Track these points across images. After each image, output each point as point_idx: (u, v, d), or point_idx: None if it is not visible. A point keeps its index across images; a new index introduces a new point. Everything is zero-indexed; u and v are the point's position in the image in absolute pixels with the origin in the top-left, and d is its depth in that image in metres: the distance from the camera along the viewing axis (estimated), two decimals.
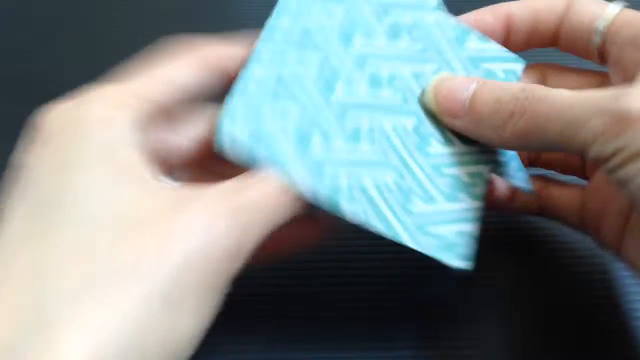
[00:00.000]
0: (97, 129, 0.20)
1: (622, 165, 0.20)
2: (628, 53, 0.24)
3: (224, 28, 0.41)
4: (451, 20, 0.25)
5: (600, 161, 0.20)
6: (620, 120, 0.19)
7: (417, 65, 0.24)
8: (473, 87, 0.23)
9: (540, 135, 0.22)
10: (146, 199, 0.19)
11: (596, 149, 0.20)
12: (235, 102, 0.21)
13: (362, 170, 0.22)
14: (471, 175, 0.24)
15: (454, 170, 0.24)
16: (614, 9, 0.25)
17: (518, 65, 0.26)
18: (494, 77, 0.25)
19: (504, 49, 0.26)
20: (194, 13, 0.42)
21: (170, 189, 0.20)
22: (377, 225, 0.22)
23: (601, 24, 0.25)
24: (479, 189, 0.24)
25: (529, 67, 0.27)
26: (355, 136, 0.22)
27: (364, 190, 0.22)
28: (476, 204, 0.24)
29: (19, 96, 0.37)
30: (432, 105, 0.24)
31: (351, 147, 0.22)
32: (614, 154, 0.20)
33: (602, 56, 0.25)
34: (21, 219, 0.19)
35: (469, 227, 0.23)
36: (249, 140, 0.21)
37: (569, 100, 0.21)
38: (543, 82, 0.27)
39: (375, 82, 0.23)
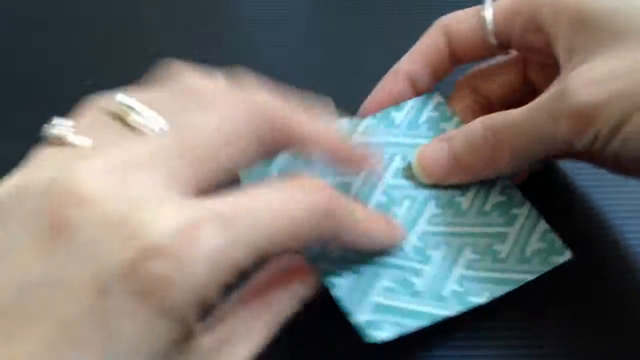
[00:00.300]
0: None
1: (606, 144, 0.22)
2: (531, 38, 0.26)
3: (224, 28, 0.41)
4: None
5: (588, 150, 0.23)
6: (580, 117, 0.22)
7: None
8: (445, 147, 0.26)
9: (529, 153, 0.24)
10: None
11: (578, 145, 0.23)
12: None
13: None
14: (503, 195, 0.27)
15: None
16: (488, 9, 0.27)
17: (437, 98, 0.29)
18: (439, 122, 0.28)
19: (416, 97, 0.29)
20: (194, 13, 0.42)
21: None
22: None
23: (489, 26, 0.27)
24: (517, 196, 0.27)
25: (458, 90, 0.29)
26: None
27: None
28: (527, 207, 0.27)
29: (19, 96, 0.37)
30: (426, 180, 0.26)
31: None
32: (594, 141, 0.22)
33: (502, 47, 0.27)
34: None
35: (543, 226, 0.26)
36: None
37: (527, 119, 0.24)
38: (477, 94, 0.29)
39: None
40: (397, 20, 0.41)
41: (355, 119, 0.28)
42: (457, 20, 0.28)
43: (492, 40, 0.27)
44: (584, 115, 0.22)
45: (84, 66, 0.38)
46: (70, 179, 0.16)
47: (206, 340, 0.19)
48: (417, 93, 0.29)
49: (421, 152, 0.27)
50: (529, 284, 0.25)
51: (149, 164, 0.17)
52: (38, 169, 0.18)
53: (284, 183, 0.19)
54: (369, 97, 0.29)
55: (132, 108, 0.19)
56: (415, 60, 0.29)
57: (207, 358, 0.18)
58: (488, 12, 0.27)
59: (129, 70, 0.38)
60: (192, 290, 0.16)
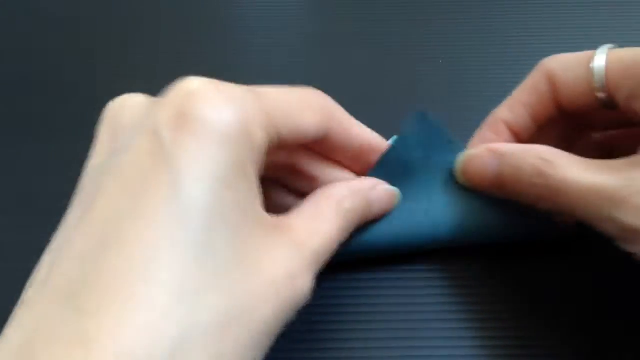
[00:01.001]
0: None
1: None
2: (636, 107, 0.24)
3: (224, 28, 0.41)
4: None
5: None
6: (630, 232, 0.21)
7: None
8: (495, 165, 0.26)
9: (573, 215, 0.24)
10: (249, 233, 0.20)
11: (619, 243, 0.22)
12: None
13: None
14: None
15: None
16: (599, 61, 0.25)
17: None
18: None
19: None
20: (194, 12, 0.42)
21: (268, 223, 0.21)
22: None
23: (597, 83, 0.25)
24: None
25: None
26: None
27: None
28: None
29: (19, 96, 0.37)
30: (466, 184, 0.28)
31: None
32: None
33: (609, 104, 0.25)
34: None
35: None
36: None
37: (583, 189, 0.22)
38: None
39: None
40: (398, 20, 0.40)
41: None
42: (563, 68, 0.26)
43: (601, 95, 0.25)
44: (633, 233, 0.21)
45: (84, 66, 0.38)
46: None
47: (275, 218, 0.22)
48: (520, 142, 0.27)
49: (469, 160, 0.27)
50: None
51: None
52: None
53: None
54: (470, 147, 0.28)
55: None
56: (517, 108, 0.27)
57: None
58: (599, 65, 0.25)
59: (129, 70, 0.38)
60: (236, 116, 0.20)
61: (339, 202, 0.24)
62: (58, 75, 0.38)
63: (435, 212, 0.28)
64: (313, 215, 0.23)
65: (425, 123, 0.29)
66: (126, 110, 0.22)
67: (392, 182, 0.28)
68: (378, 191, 0.26)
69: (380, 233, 0.27)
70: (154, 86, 0.37)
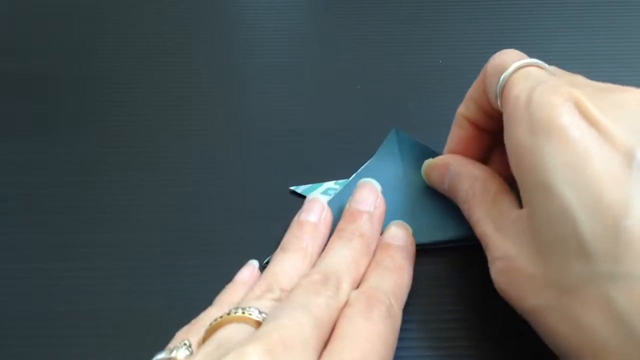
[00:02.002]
0: None
1: None
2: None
3: (224, 28, 0.41)
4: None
5: None
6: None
7: None
8: (446, 175, 0.29)
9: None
10: None
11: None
12: None
13: None
14: None
15: None
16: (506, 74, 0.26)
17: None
18: None
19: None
20: (194, 12, 0.42)
21: None
22: None
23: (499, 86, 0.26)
24: None
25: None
26: None
27: None
28: None
29: (18, 96, 0.37)
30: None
31: None
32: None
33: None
34: None
35: None
36: None
37: (484, 241, 0.25)
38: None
39: None
40: (398, 20, 0.40)
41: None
42: (492, 69, 0.27)
43: (497, 104, 0.26)
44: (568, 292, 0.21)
45: (83, 66, 0.38)
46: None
47: None
48: (483, 133, 0.29)
49: (428, 168, 0.30)
50: None
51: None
52: None
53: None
54: (446, 149, 0.30)
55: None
56: (468, 102, 0.29)
57: None
58: (504, 77, 0.25)
59: (129, 70, 0.38)
60: None
61: None
62: (58, 75, 0.38)
63: (420, 214, 0.30)
64: None
65: (403, 138, 0.33)
66: None
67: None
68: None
69: None
70: (154, 86, 0.38)
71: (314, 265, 0.26)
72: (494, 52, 0.38)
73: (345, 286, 0.24)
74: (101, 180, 0.32)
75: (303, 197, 0.31)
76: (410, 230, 0.28)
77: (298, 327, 0.20)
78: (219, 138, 0.34)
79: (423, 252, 0.28)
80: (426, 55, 0.38)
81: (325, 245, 0.27)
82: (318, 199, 0.29)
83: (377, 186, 0.28)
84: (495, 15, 0.40)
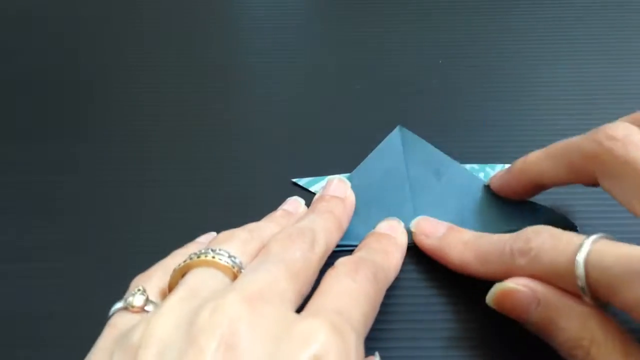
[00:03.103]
0: None
1: None
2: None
3: (224, 28, 0.41)
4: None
5: None
6: None
7: None
8: (533, 307, 0.24)
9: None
10: None
11: None
12: None
13: None
14: None
15: None
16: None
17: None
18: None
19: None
20: (194, 12, 0.42)
21: None
22: None
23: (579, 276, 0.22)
24: None
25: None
26: None
27: None
28: None
29: (18, 96, 0.37)
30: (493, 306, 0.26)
31: None
32: None
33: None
34: None
35: None
36: None
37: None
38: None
39: None
40: (398, 20, 0.41)
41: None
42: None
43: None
44: None
45: (83, 65, 0.38)
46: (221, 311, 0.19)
47: None
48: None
49: (504, 293, 0.24)
50: None
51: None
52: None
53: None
54: (496, 186, 0.30)
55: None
56: (558, 169, 0.27)
57: None
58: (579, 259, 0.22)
59: (129, 69, 0.38)
60: None
61: None
62: (58, 75, 0.38)
63: (421, 213, 0.30)
64: None
65: (408, 135, 0.33)
66: (250, 343, 0.19)
67: (374, 186, 0.31)
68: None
69: (365, 232, 0.29)
70: (154, 86, 0.38)
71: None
72: (494, 52, 0.39)
73: (321, 242, 0.24)
74: (101, 180, 0.32)
75: (305, 189, 0.31)
76: (402, 224, 0.28)
77: (274, 280, 0.21)
78: (219, 138, 0.34)
79: None
80: (426, 55, 0.38)
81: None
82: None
83: (347, 181, 0.29)
84: (496, 15, 0.40)
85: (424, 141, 0.33)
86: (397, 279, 0.27)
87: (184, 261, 0.22)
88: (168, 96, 0.36)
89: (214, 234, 0.27)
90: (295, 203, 0.29)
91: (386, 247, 0.26)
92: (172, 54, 0.39)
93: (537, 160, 0.27)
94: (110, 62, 0.38)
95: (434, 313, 0.27)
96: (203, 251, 0.22)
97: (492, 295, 0.24)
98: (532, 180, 0.28)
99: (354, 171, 0.32)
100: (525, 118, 0.34)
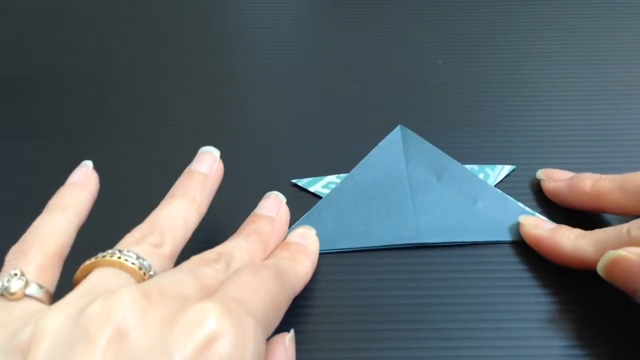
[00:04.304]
0: None
1: None
2: None
3: (224, 28, 0.41)
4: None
5: None
6: None
7: None
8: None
9: None
10: None
11: None
12: None
13: None
14: None
15: None
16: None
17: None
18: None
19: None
20: (194, 12, 0.42)
21: None
22: None
23: None
24: None
25: None
26: None
27: None
28: None
29: (18, 96, 0.37)
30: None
31: None
32: None
33: None
34: None
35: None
36: None
37: None
38: None
39: None
40: (398, 20, 0.41)
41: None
42: None
43: None
44: None
45: (82, 65, 0.38)
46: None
47: None
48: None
49: (612, 260, 0.25)
50: None
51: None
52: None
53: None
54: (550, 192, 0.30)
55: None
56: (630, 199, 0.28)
57: None
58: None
59: (128, 69, 0.38)
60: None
61: None
62: (58, 75, 0.38)
63: (420, 211, 0.30)
64: None
65: (408, 134, 0.33)
66: (141, 332, 0.18)
67: (374, 184, 0.31)
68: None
69: (365, 232, 0.29)
70: (154, 86, 0.38)
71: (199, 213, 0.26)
72: (494, 53, 0.39)
73: (236, 265, 0.23)
74: (101, 180, 0.32)
75: (305, 190, 0.31)
76: (314, 232, 0.28)
77: (180, 284, 0.20)
78: (220, 137, 0.34)
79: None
80: (426, 55, 0.38)
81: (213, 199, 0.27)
82: (210, 150, 0.28)
83: (282, 198, 0.28)
84: (496, 15, 0.40)
85: (424, 141, 0.33)
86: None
87: (90, 260, 0.22)
88: (167, 96, 0.36)
89: (87, 165, 0.28)
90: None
91: (295, 255, 0.26)
92: (172, 54, 0.39)
93: (610, 191, 0.28)
94: (110, 62, 0.38)
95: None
96: (110, 251, 0.22)
97: (603, 263, 0.24)
98: (598, 207, 0.29)
99: (354, 169, 0.32)
100: (525, 118, 0.34)
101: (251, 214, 0.28)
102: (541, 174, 0.31)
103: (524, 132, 0.33)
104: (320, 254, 0.28)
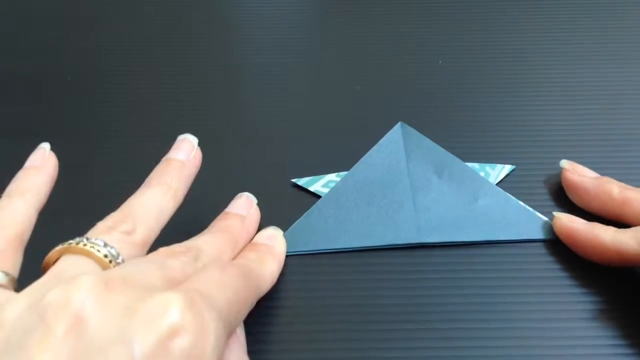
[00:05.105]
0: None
1: None
2: None
3: (225, 28, 0.41)
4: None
5: None
6: None
7: None
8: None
9: None
10: None
11: None
12: None
13: None
14: None
15: None
16: None
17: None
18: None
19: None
20: (194, 12, 0.42)
21: None
22: None
23: None
24: None
25: None
26: None
27: None
28: None
29: (18, 96, 0.37)
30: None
31: None
32: None
33: None
34: None
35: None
36: None
37: None
38: None
39: None
40: (398, 20, 0.40)
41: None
42: None
43: None
44: None
45: (83, 66, 0.38)
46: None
47: None
48: None
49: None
50: None
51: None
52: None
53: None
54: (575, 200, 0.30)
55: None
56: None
57: None
58: None
59: (128, 69, 0.38)
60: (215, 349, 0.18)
61: None
62: (58, 75, 0.37)
63: (419, 210, 0.30)
64: None
65: (409, 132, 0.33)
66: (99, 321, 0.18)
67: (374, 182, 0.31)
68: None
69: (365, 231, 0.29)
70: (154, 86, 0.38)
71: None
72: (494, 53, 0.39)
73: (204, 259, 0.23)
74: (100, 180, 0.32)
75: (305, 189, 0.31)
76: (282, 233, 0.28)
77: (144, 273, 0.20)
78: (220, 137, 0.34)
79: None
80: (426, 55, 0.38)
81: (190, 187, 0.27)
82: (188, 138, 0.28)
83: (253, 199, 0.29)
84: (495, 15, 0.40)
85: (425, 138, 0.33)
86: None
87: (58, 247, 0.22)
88: (167, 96, 0.36)
89: (44, 147, 0.27)
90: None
91: (262, 256, 0.26)
92: (172, 54, 0.39)
93: (638, 200, 0.28)
94: (110, 62, 0.38)
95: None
96: (78, 239, 0.22)
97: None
98: (618, 214, 0.28)
99: (354, 167, 0.32)
100: (525, 118, 0.34)
101: (222, 212, 0.28)
102: (566, 164, 0.30)
103: (524, 132, 0.33)
104: (320, 253, 0.28)
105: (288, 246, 0.28)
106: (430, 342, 0.26)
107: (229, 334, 0.20)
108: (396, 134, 0.33)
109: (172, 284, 0.20)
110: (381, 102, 0.35)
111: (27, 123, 0.35)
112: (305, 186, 0.31)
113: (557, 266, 0.28)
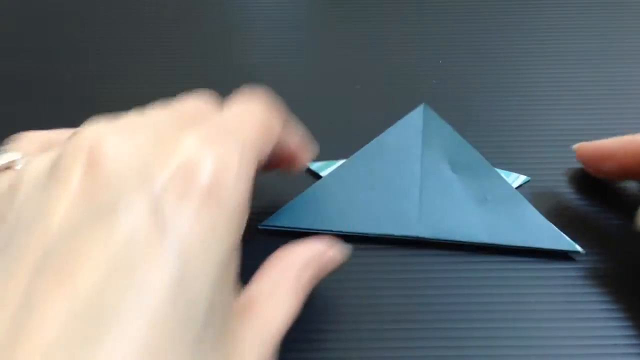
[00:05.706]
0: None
1: None
2: None
3: (225, 28, 0.41)
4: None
5: None
6: None
7: None
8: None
9: None
10: None
11: None
12: None
13: None
14: None
15: None
16: None
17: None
18: None
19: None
20: (194, 12, 0.42)
21: None
22: None
23: None
24: None
25: None
26: None
27: None
28: None
29: (18, 96, 0.37)
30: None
31: None
32: None
33: None
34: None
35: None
36: None
37: None
38: None
39: None
40: (398, 20, 0.41)
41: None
42: None
43: None
44: None
45: (82, 65, 0.38)
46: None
47: (239, 299, 0.20)
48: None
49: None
50: None
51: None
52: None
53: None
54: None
55: None
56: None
57: (238, 317, 0.19)
58: None
59: (128, 69, 0.38)
60: (236, 186, 0.18)
61: (296, 278, 0.22)
62: (58, 75, 0.38)
63: (424, 202, 0.29)
64: (273, 292, 0.21)
65: (430, 115, 0.32)
66: (116, 155, 0.17)
67: (384, 161, 0.30)
68: (330, 255, 0.25)
69: (365, 218, 0.28)
70: (153, 86, 0.38)
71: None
72: (495, 53, 0.39)
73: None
74: None
75: (316, 174, 0.31)
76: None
77: (157, 119, 0.20)
78: None
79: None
80: (426, 55, 0.38)
81: None
82: None
83: None
84: (496, 15, 0.40)
85: (447, 125, 0.32)
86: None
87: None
88: (167, 96, 0.36)
89: None
90: None
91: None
92: (172, 54, 0.39)
93: None
94: (110, 62, 0.38)
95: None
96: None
97: None
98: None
99: (368, 144, 0.31)
100: (526, 119, 0.34)
101: None
102: (576, 145, 0.30)
103: (525, 132, 0.33)
104: (316, 234, 0.28)
105: (283, 220, 0.28)
106: (430, 342, 0.26)
107: (258, 161, 0.20)
108: (417, 116, 0.32)
109: (187, 125, 0.20)
110: (381, 102, 0.35)
111: (27, 123, 0.35)
112: (317, 171, 0.31)
113: (558, 266, 0.28)
